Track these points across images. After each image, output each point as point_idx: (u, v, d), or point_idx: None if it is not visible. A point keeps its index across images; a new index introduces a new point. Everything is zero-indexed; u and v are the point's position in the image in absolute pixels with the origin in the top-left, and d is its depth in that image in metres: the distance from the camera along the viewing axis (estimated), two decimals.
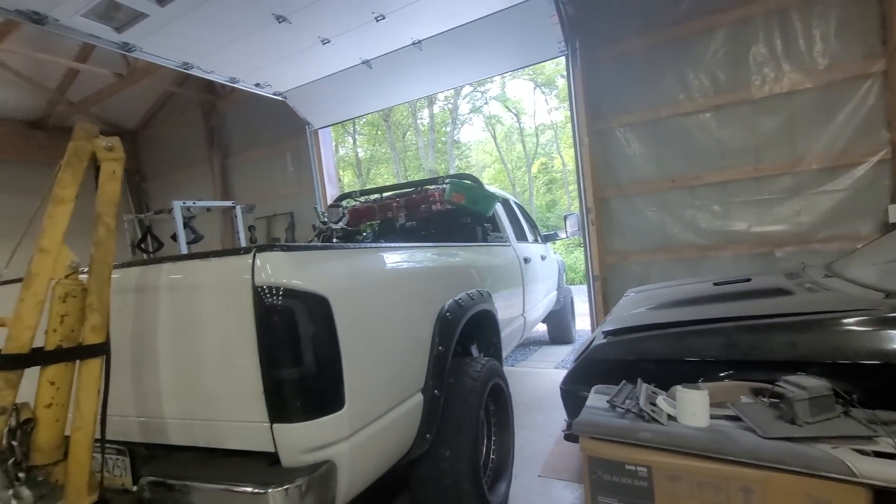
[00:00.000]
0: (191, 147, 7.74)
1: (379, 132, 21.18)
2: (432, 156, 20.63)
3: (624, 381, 1.80)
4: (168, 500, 1.31)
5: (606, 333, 2.15)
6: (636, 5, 4.35)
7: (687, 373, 1.75)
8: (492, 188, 3.95)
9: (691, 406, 1.47)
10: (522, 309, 3.48)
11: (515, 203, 4.73)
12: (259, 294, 1.23)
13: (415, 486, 1.89)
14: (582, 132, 4.58)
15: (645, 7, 4.31)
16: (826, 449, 1.26)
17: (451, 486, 1.81)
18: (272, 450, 1.25)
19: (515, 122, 21.72)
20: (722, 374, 1.75)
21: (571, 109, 4.63)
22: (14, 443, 1.17)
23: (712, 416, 1.47)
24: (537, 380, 4.24)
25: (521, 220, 4.46)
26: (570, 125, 5.19)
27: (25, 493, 1.15)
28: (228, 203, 6.60)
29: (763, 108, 3.97)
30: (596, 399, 1.75)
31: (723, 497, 1.32)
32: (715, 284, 2.75)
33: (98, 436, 1.24)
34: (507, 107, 21.36)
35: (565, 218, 5.14)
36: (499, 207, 3.74)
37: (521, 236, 4.11)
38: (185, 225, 5.68)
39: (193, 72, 4.65)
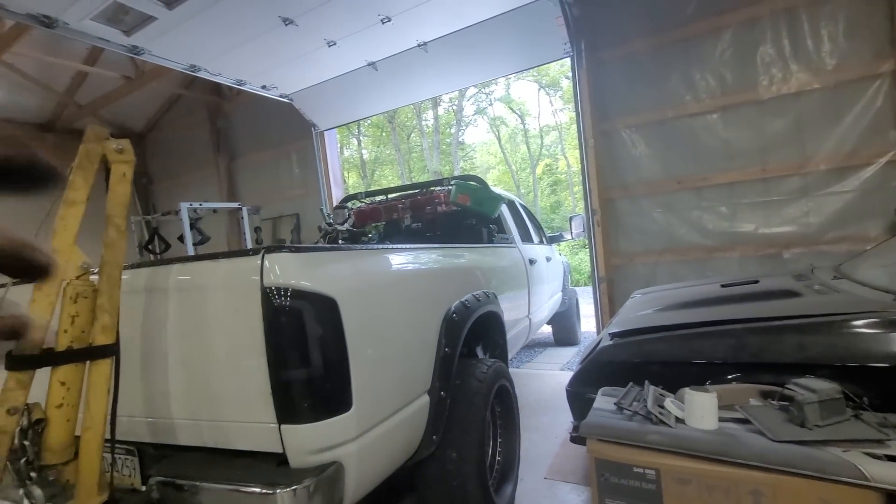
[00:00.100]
0: (197, 149, 7.80)
1: (384, 134, 21.23)
2: (437, 157, 20.65)
3: (631, 384, 1.80)
4: (177, 500, 1.32)
5: (613, 335, 2.14)
6: (642, 6, 4.34)
7: (694, 375, 1.74)
8: (497, 189, 3.95)
9: (700, 408, 1.46)
10: (528, 310, 3.47)
11: (520, 204, 4.73)
12: (268, 295, 1.23)
13: (421, 487, 1.89)
14: (587, 133, 4.57)
15: (651, 8, 4.30)
16: (837, 452, 1.25)
17: (458, 488, 1.81)
18: (280, 450, 1.26)
19: (520, 123, 21.72)
20: (730, 377, 1.74)
21: (577, 110, 4.62)
22: (26, 442, 1.18)
23: (721, 419, 1.47)
24: (543, 381, 4.23)
25: (526, 221, 4.45)
26: (574, 126, 5.19)
27: (37, 492, 1.16)
28: (235, 205, 6.64)
29: (770, 108, 3.95)
30: (603, 401, 1.74)
31: (732, 500, 1.31)
32: (722, 286, 2.74)
33: (108, 436, 1.25)
34: (511, 108, 21.37)
35: (570, 219, 5.13)
36: (504, 209, 3.73)
37: (526, 238, 4.11)
38: (192, 226, 5.71)
39: (201, 74, 4.68)
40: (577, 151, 4.77)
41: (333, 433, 1.28)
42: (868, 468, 1.17)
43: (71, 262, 1.23)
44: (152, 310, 1.44)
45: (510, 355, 2.87)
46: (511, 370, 2.57)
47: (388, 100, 5.80)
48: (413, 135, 21.64)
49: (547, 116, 23.46)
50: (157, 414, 1.45)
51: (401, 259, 1.88)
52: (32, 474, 1.16)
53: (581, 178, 4.77)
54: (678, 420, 1.51)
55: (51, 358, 1.21)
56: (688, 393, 1.50)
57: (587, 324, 6.03)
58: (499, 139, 21.85)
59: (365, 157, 22.21)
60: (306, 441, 1.25)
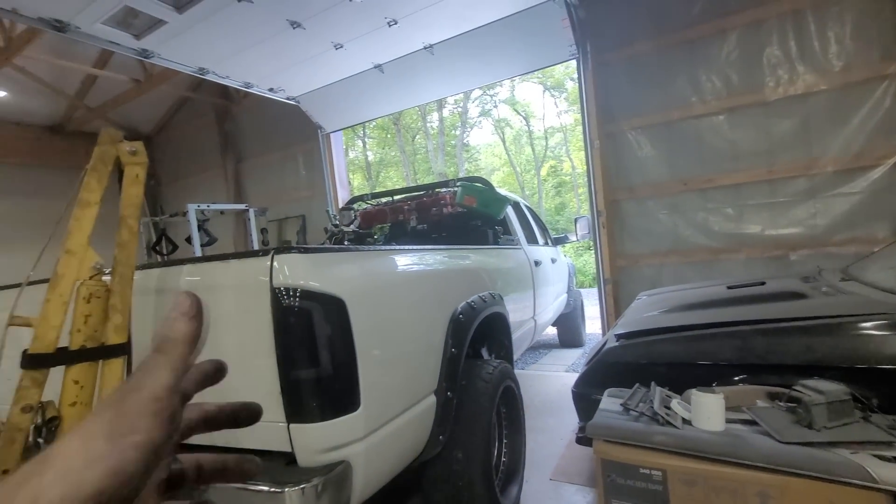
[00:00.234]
0: (205, 151, 7.87)
1: (389, 136, 21.30)
2: (442, 159, 20.69)
3: (637, 385, 1.80)
4: (185, 497, 1.33)
5: (619, 336, 2.14)
6: (648, 8, 4.34)
7: (701, 376, 1.74)
8: (503, 191, 3.95)
9: (707, 410, 1.46)
10: (533, 312, 3.47)
11: (526, 206, 4.73)
12: (277, 295, 1.25)
13: (427, 487, 1.90)
14: (593, 135, 4.57)
15: (657, 10, 4.30)
16: (845, 454, 1.24)
17: (464, 489, 1.82)
18: (289, 449, 1.27)
19: (524, 125, 21.73)
20: (737, 378, 1.73)
21: (582, 112, 4.62)
22: (40, 440, 1.20)
23: (728, 420, 1.46)
24: (548, 383, 4.22)
25: (531, 223, 4.46)
26: (579, 128, 5.18)
27: None
28: (242, 206, 6.68)
29: (777, 110, 3.94)
30: (609, 402, 1.75)
31: (739, 502, 1.31)
32: (728, 288, 2.73)
33: None
34: (516, 110, 21.38)
35: (576, 221, 5.13)
36: (509, 210, 3.74)
37: (531, 239, 4.11)
38: (200, 228, 5.76)
39: (209, 77, 4.72)
40: (582, 153, 4.78)
41: (341, 432, 1.29)
42: (877, 470, 1.17)
43: (85, 262, 1.25)
44: (163, 310, 1.46)
45: (515, 356, 2.87)
46: (516, 371, 2.58)
47: (393, 102, 5.83)
48: (418, 136, 21.70)
49: (552, 118, 23.46)
50: None
51: (407, 260, 1.89)
52: None
53: (586, 179, 4.77)
54: (685, 421, 1.51)
55: (65, 357, 1.23)
56: (694, 394, 1.50)
57: (592, 325, 6.02)
58: (503, 141, 21.86)
59: (370, 158, 22.30)
60: (315, 440, 1.26)
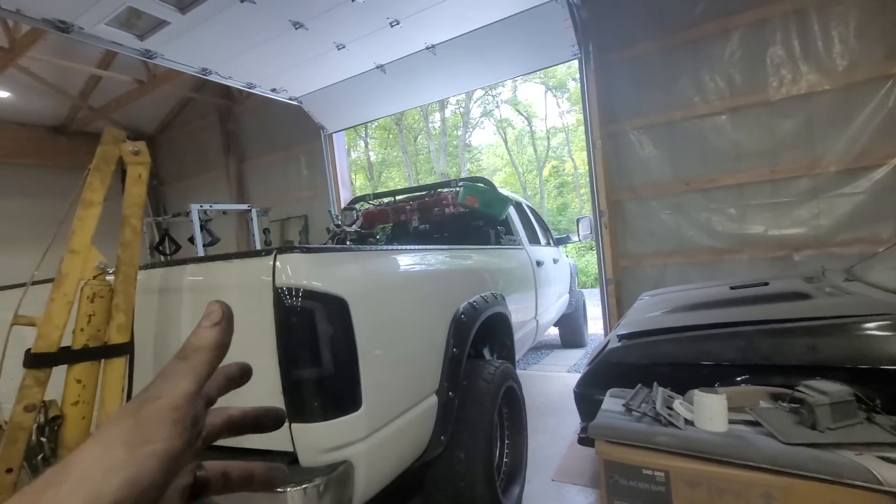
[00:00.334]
0: (207, 151, 7.89)
1: (391, 136, 21.32)
2: (444, 159, 20.70)
3: (640, 385, 1.79)
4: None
5: (621, 337, 2.14)
6: (650, 8, 4.33)
7: (704, 377, 1.74)
8: (505, 191, 3.95)
9: (710, 410, 1.45)
10: (535, 312, 3.47)
11: (528, 206, 4.73)
12: (279, 295, 1.25)
13: (429, 487, 1.89)
14: (595, 135, 4.56)
15: (659, 10, 4.29)
16: (849, 455, 1.24)
17: (466, 489, 1.81)
18: (291, 449, 1.27)
19: (526, 125, 21.72)
20: (739, 379, 1.73)
21: (585, 112, 4.62)
22: (43, 439, 1.21)
23: (731, 421, 1.46)
24: (550, 383, 4.22)
25: (533, 223, 4.45)
26: (581, 128, 5.17)
27: None
28: (244, 206, 6.70)
29: (780, 109, 3.92)
30: (612, 402, 1.74)
31: (743, 503, 1.30)
32: (732, 288, 2.72)
33: None
34: (518, 110, 21.38)
35: (578, 221, 5.12)
36: (511, 211, 3.74)
37: (533, 239, 4.11)
38: (202, 228, 5.77)
39: (212, 78, 4.73)
40: (584, 153, 4.76)
41: (343, 432, 1.29)
42: (881, 472, 1.16)
43: (88, 262, 1.25)
44: (166, 310, 1.46)
45: (517, 357, 2.87)
46: (518, 372, 2.58)
47: (395, 102, 5.83)
48: (420, 137, 21.71)
49: (554, 118, 23.47)
50: None
51: (410, 260, 1.89)
52: None
53: (588, 179, 4.76)
54: (687, 422, 1.50)
55: (67, 356, 1.23)
56: (697, 395, 1.50)
57: (594, 326, 6.01)
58: (505, 141, 21.85)
59: (372, 159, 22.32)
60: (316, 440, 1.26)
